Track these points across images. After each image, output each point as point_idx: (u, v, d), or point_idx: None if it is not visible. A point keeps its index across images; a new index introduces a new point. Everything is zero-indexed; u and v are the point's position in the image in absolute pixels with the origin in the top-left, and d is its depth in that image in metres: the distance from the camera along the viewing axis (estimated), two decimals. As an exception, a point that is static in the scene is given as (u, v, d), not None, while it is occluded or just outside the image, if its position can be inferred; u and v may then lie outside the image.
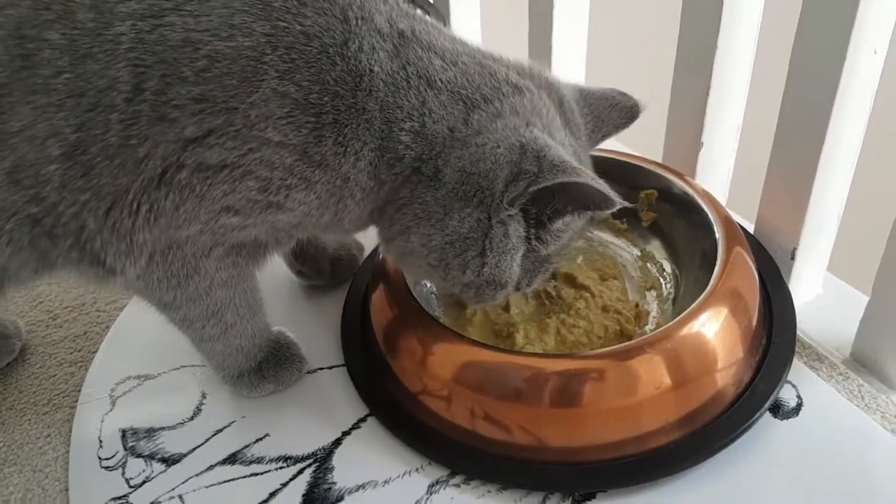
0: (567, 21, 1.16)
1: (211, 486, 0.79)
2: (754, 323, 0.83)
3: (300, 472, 0.79)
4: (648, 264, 0.97)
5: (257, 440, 0.83)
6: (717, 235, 0.86)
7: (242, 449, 0.82)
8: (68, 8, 0.63)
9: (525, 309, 0.90)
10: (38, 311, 1.01)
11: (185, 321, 0.78)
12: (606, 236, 1.01)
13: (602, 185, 0.67)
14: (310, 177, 0.69)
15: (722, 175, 1.05)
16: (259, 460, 0.81)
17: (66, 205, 0.65)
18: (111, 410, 0.87)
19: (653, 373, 0.76)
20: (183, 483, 0.79)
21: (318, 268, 1.00)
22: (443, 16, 1.29)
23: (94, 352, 0.95)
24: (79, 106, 0.63)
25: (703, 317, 0.79)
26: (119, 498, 0.78)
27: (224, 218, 0.69)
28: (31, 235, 0.67)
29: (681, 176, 0.95)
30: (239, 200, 0.68)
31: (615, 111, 0.81)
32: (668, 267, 0.95)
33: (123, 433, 0.84)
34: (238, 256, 0.75)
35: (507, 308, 0.90)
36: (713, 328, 0.79)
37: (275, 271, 0.98)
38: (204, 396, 0.88)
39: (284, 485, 0.78)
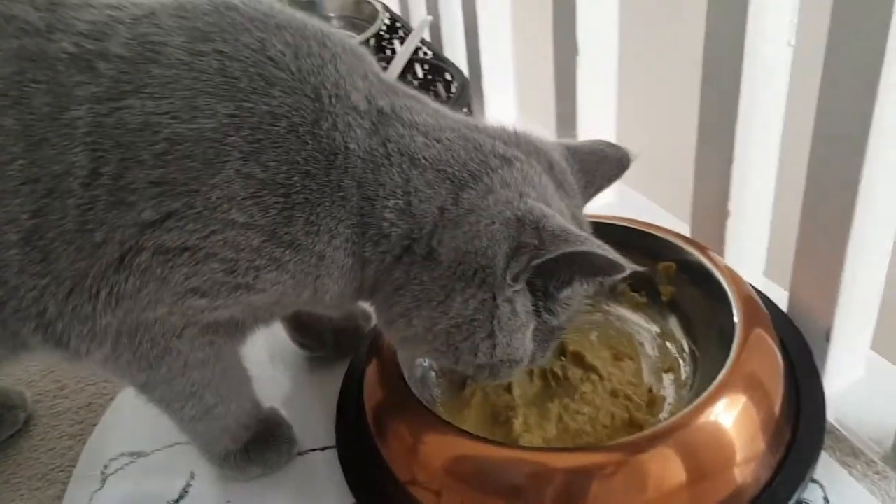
0: (593, 89, 1.13)
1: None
2: (777, 412, 0.75)
3: (279, 563, 0.76)
4: (668, 343, 0.90)
5: (243, 527, 0.80)
6: (736, 315, 0.79)
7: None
8: (24, 94, 0.62)
9: (528, 390, 0.84)
10: (47, 380, 1.00)
11: (162, 402, 0.76)
12: (624, 311, 0.94)
13: (608, 251, 0.63)
14: (280, 257, 0.66)
15: (754, 245, 0.97)
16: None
17: (26, 289, 0.64)
18: (100, 489, 0.85)
19: (665, 467, 0.70)
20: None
21: (320, 339, 0.96)
22: (467, 81, 1.26)
23: (95, 425, 0.93)
24: (34, 192, 0.62)
25: (720, 405, 0.72)
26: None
27: (191, 300, 0.67)
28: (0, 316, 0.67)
29: (702, 249, 0.88)
30: (204, 283, 0.66)
31: (605, 164, 0.78)
32: (687, 346, 0.88)
33: (112, 513, 0.83)
34: (215, 335, 0.73)
35: (509, 388, 0.84)
36: (730, 418, 0.72)
37: (275, 339, 0.96)
38: (192, 477, 0.85)
39: (261, 578, 0.75)
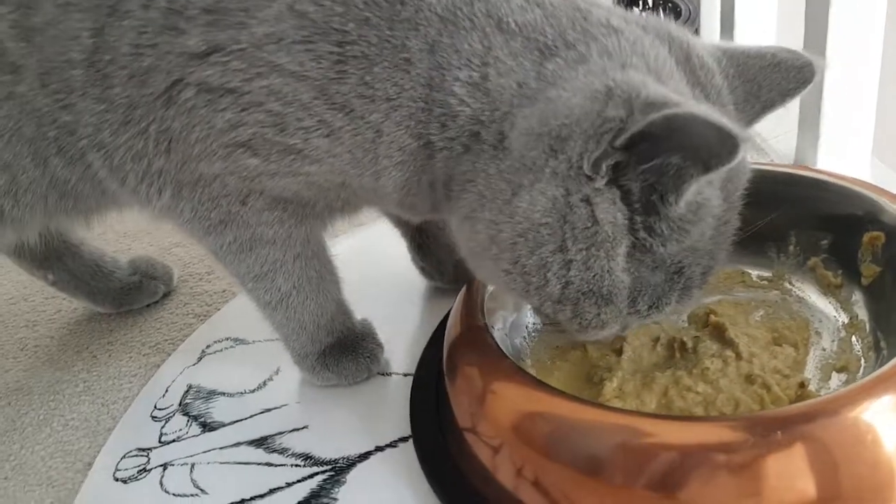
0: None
1: (225, 463, 0.71)
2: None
3: (311, 476, 0.68)
4: (854, 337, 0.67)
5: (294, 430, 0.73)
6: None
7: (275, 435, 0.73)
8: None
9: (643, 357, 0.68)
10: (200, 264, 1.03)
11: (236, 277, 0.72)
12: (810, 292, 0.72)
13: (716, 117, 0.46)
14: (331, 121, 0.58)
15: None
16: (283, 451, 0.71)
17: (89, 113, 0.63)
18: (194, 365, 0.84)
19: (787, 471, 0.50)
20: (204, 452, 0.72)
21: (440, 267, 0.87)
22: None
23: (219, 309, 0.94)
24: (98, 9, 0.60)
25: (883, 401, 0.51)
26: (143, 450, 0.74)
27: (241, 157, 0.61)
28: (75, 147, 0.67)
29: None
30: (252, 136, 0.60)
31: (777, 73, 0.59)
32: (880, 344, 0.64)
33: (188, 389, 0.81)
34: (284, 213, 0.67)
35: (619, 351, 0.68)
36: (891, 425, 0.51)
37: (399, 257, 0.89)
38: (277, 372, 0.81)
39: (289, 485, 0.67)
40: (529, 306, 0.72)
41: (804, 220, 0.73)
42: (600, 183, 0.52)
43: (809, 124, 0.99)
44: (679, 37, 0.57)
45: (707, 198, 0.54)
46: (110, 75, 0.61)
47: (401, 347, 0.80)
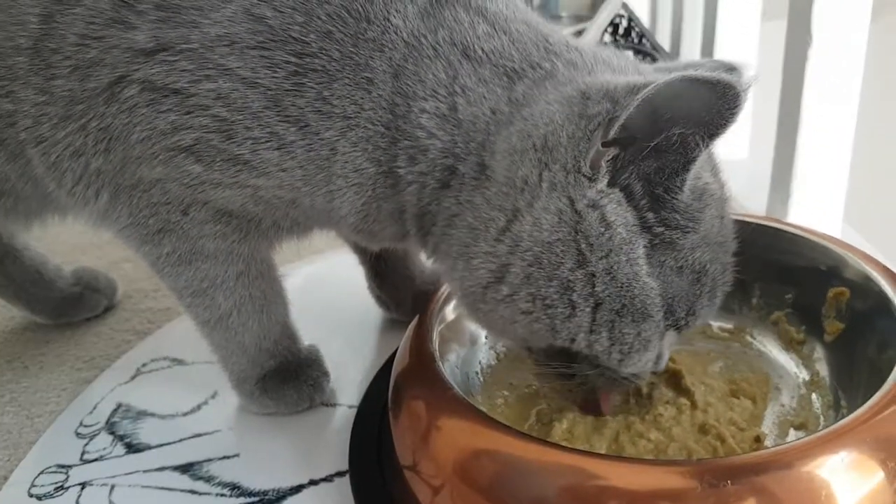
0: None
1: (147, 487, 0.66)
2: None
3: (236, 507, 0.64)
4: (814, 395, 0.64)
5: (224, 457, 0.68)
6: (899, 366, 0.53)
7: (203, 461, 0.68)
8: None
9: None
10: (147, 281, 0.99)
11: (174, 291, 0.68)
12: (772, 347, 0.70)
13: (707, 73, 0.45)
14: (283, 134, 0.56)
15: None
16: (209, 479, 0.66)
17: (29, 103, 0.60)
18: (127, 382, 0.80)
19: None
20: (126, 474, 0.67)
21: (397, 298, 0.84)
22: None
23: (159, 325, 0.90)
24: None
25: (840, 457, 0.48)
26: (63, 466, 0.69)
27: (184, 162, 0.58)
28: (15, 140, 0.63)
29: (888, 273, 0.62)
30: (196, 141, 0.57)
31: None
32: (840, 402, 0.62)
33: (117, 407, 0.76)
34: (227, 227, 0.63)
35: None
36: (849, 482, 0.48)
37: (357, 286, 0.86)
38: (213, 396, 0.76)
39: (211, 515, 0.63)
40: (499, 348, 0.70)
41: (769, 273, 0.71)
42: (602, 184, 0.50)
43: (780, 185, 0.98)
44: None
45: (706, 182, 0.52)
46: (54, 65, 0.58)
47: (350, 378, 0.77)
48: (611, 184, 0.50)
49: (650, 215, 0.51)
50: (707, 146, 0.48)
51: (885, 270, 0.62)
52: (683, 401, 0.61)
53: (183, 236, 0.63)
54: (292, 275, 0.95)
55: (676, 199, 0.50)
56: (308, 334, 0.76)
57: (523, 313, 0.53)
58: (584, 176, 0.50)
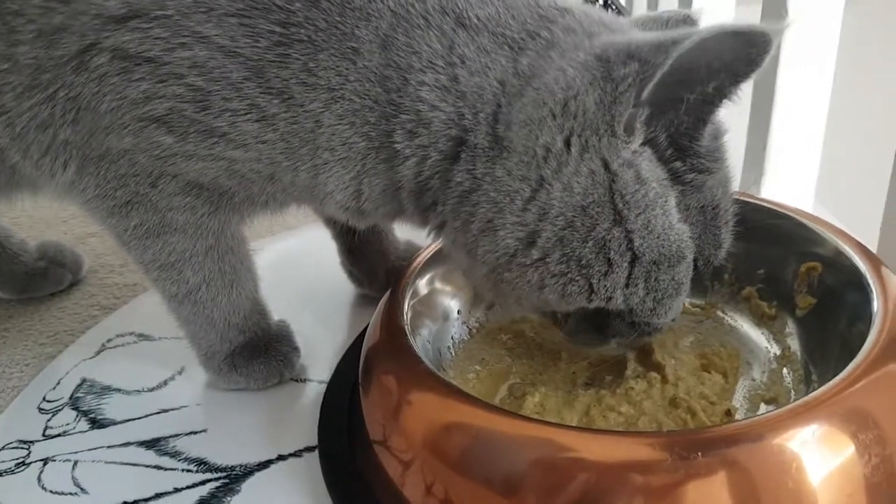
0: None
1: (111, 462, 0.65)
2: None
3: (203, 482, 0.62)
4: (785, 369, 0.64)
5: (191, 433, 0.67)
6: (872, 336, 0.53)
7: (170, 437, 0.67)
8: None
9: (566, 370, 0.64)
10: (114, 256, 0.97)
11: (141, 264, 0.66)
12: (743, 322, 0.70)
13: (738, 24, 0.45)
14: (264, 106, 0.54)
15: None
16: (175, 455, 0.65)
17: None
18: (92, 358, 0.78)
19: (705, 498, 0.47)
20: (90, 450, 0.66)
21: (371, 274, 0.83)
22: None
23: (127, 303, 0.88)
24: None
25: (811, 429, 0.48)
26: (25, 442, 0.67)
27: (154, 133, 0.57)
28: None
29: (867, 255, 0.62)
30: (168, 111, 0.55)
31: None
32: (811, 377, 0.62)
33: (82, 382, 0.75)
34: (197, 199, 0.62)
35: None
36: (817, 455, 0.47)
37: (328, 260, 0.85)
38: (181, 372, 0.75)
39: (178, 490, 0.62)
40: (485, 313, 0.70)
41: (742, 249, 0.70)
42: (636, 143, 0.50)
43: (753, 164, 0.98)
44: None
45: (717, 121, 0.53)
46: (17, 30, 0.56)
47: (321, 354, 0.76)
48: (637, 133, 0.51)
49: (678, 164, 0.52)
50: (733, 93, 0.49)
51: (857, 245, 0.62)
52: (654, 375, 0.61)
53: (151, 209, 0.62)
54: (264, 251, 0.93)
55: (699, 144, 0.51)
56: (279, 310, 0.75)
57: (555, 276, 0.53)
58: (619, 138, 0.50)
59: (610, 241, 0.51)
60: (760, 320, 0.69)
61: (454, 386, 0.56)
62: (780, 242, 0.68)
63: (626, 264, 0.51)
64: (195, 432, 0.68)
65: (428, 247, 0.71)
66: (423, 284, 0.69)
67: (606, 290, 0.52)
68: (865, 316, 0.57)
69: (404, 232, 0.87)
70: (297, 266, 0.92)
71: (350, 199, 0.59)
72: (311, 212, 0.81)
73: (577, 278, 0.52)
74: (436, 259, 0.70)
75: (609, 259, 0.51)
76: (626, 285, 0.52)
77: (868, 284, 0.58)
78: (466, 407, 0.54)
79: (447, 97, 0.53)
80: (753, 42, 0.45)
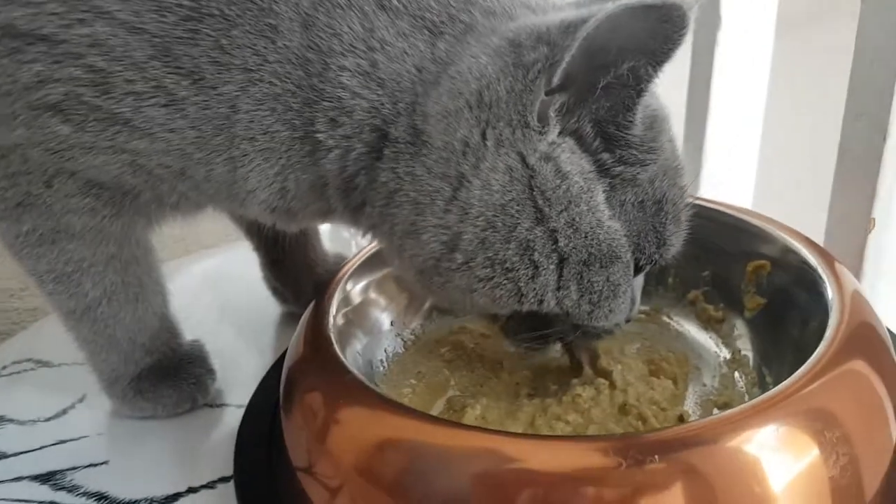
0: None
1: (2, 500, 0.57)
2: (864, 481, 0.45)
3: (103, 519, 0.55)
4: (737, 373, 0.61)
5: (91, 465, 0.60)
6: (831, 330, 0.50)
7: (66, 470, 0.60)
8: None
9: (508, 380, 0.60)
10: (14, 280, 0.89)
11: (34, 276, 0.59)
12: (689, 327, 0.67)
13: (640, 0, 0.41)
14: (172, 88, 0.49)
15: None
16: (72, 489, 0.58)
17: None
18: (-15, 388, 0.71)
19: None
20: (-27, 489, 0.58)
21: (297, 289, 0.77)
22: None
23: (25, 326, 0.80)
24: None
25: (766, 432, 0.44)
26: None
27: (50, 122, 0.51)
28: None
29: (818, 251, 0.60)
30: (65, 97, 0.49)
31: None
32: (765, 380, 0.59)
33: (-31, 414, 0.67)
34: (97, 201, 0.56)
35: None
36: (780, 459, 0.43)
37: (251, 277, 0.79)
38: (81, 400, 0.68)
39: (73, 530, 0.55)
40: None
41: (685, 251, 0.67)
42: (553, 134, 0.47)
43: (690, 164, 0.97)
44: None
45: (654, 108, 0.50)
46: None
47: (240, 377, 0.69)
48: (561, 133, 0.47)
49: (605, 156, 0.48)
50: (656, 74, 0.45)
51: (807, 241, 0.59)
52: (602, 381, 0.57)
53: (45, 212, 0.55)
54: (179, 272, 0.87)
55: (630, 133, 0.47)
56: (193, 330, 0.68)
57: (481, 280, 0.49)
58: (533, 129, 0.46)
59: (533, 241, 0.47)
60: (707, 324, 0.66)
61: (387, 398, 0.51)
62: (724, 243, 0.65)
63: (552, 266, 0.48)
64: (95, 464, 0.61)
65: (360, 252, 0.66)
66: (355, 293, 0.64)
67: (536, 294, 0.48)
68: (818, 314, 0.54)
69: (334, 244, 0.82)
70: (215, 287, 0.85)
71: (275, 197, 0.54)
72: (230, 229, 0.76)
73: (504, 282, 0.48)
74: (369, 265, 0.65)
75: (534, 261, 0.47)
76: (558, 288, 0.48)
77: (822, 280, 0.55)
78: (401, 420, 0.48)
79: (369, 84, 0.49)
80: (668, 17, 0.42)
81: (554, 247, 0.47)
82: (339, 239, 0.90)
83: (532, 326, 0.53)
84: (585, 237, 0.47)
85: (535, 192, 0.47)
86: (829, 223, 0.70)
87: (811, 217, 0.74)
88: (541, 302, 0.49)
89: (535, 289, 0.49)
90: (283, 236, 0.74)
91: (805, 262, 0.58)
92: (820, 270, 0.56)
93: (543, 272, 0.48)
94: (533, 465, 0.43)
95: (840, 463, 0.44)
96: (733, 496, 0.43)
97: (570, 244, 0.47)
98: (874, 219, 0.65)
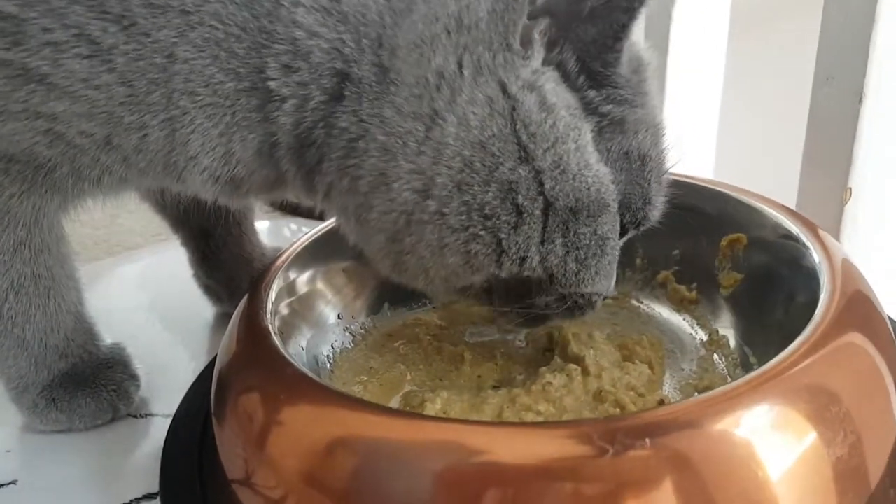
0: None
1: None
2: (866, 459, 0.40)
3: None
4: (716, 355, 0.57)
5: (-3, 486, 0.53)
6: (821, 308, 0.45)
7: (-33, 494, 0.52)
8: None
9: (473, 372, 0.54)
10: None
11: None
12: (661, 310, 0.62)
13: None
14: (98, 37, 0.43)
15: (883, 239, 0.63)
16: (-27, 515, 0.50)
17: None
18: None
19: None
20: None
21: (231, 285, 0.70)
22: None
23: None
24: None
25: (757, 412, 0.39)
26: None
27: None
28: None
29: (800, 219, 0.55)
30: None
31: None
32: (748, 361, 0.54)
33: None
34: (5, 177, 0.49)
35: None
36: (777, 443, 0.39)
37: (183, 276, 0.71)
38: (-14, 415, 0.60)
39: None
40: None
41: (652, 230, 0.63)
42: (537, 61, 0.42)
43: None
44: None
45: (637, 53, 0.46)
46: None
47: (168, 384, 0.62)
48: (544, 62, 0.43)
49: (592, 94, 0.44)
50: (643, 4, 0.41)
51: (786, 210, 0.55)
52: (573, 367, 0.51)
53: None
54: (101, 276, 0.79)
55: (616, 72, 0.43)
56: (116, 335, 0.61)
57: (455, 231, 0.43)
58: (515, 53, 0.42)
59: (517, 183, 0.42)
60: (680, 305, 0.62)
61: (335, 390, 0.45)
62: (694, 218, 0.60)
63: (538, 212, 0.42)
64: (2, 485, 0.53)
65: (300, 239, 0.59)
66: (298, 282, 0.58)
67: (518, 248, 0.43)
68: (805, 288, 0.50)
69: (272, 239, 0.75)
70: (141, 288, 0.78)
71: (219, 163, 0.48)
72: (160, 228, 0.69)
73: (482, 233, 0.42)
74: (310, 252, 0.59)
75: (517, 205, 0.42)
76: (542, 241, 0.43)
77: (807, 250, 0.51)
78: (352, 415, 0.42)
79: (328, 21, 0.43)
80: None
81: (539, 189, 0.42)
82: (278, 234, 0.84)
83: (514, 301, 0.47)
84: (574, 180, 0.42)
85: (518, 127, 0.42)
86: (799, 195, 0.67)
87: (779, 191, 0.70)
88: (523, 260, 0.44)
89: (517, 241, 0.43)
90: (215, 227, 0.67)
91: (787, 232, 0.54)
92: (804, 239, 0.52)
93: (528, 219, 0.42)
94: (503, 456, 0.38)
95: (849, 441, 0.39)
96: (730, 481, 0.38)
97: (558, 187, 0.42)
98: (850, 188, 0.62)
